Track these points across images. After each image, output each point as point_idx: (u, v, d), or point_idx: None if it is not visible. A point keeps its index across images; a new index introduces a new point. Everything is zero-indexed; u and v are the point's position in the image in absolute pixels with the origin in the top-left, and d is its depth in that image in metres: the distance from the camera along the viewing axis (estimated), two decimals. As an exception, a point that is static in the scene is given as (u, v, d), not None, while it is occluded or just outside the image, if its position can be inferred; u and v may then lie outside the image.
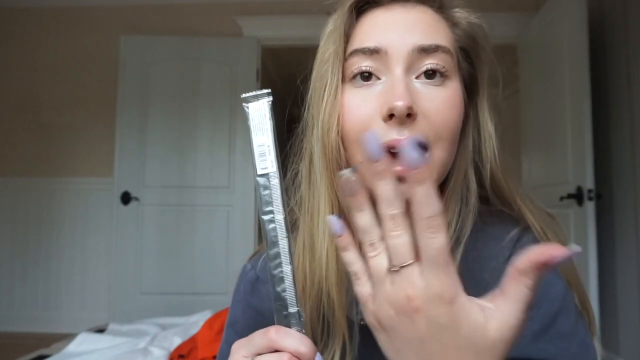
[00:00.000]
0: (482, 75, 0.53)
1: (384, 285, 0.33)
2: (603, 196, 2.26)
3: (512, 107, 4.10)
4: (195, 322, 1.82)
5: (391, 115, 0.44)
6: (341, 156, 0.48)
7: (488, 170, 0.52)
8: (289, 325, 0.40)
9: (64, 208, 3.17)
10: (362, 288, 0.36)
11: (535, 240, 0.51)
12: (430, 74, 0.46)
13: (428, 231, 0.31)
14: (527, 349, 0.45)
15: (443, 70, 0.47)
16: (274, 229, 0.40)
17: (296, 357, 0.37)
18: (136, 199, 2.98)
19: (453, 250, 0.50)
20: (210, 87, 3.06)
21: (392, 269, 0.33)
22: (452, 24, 0.51)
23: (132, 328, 1.86)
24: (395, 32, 0.47)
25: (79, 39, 3.25)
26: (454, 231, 0.50)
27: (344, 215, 0.39)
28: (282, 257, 0.40)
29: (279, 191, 0.41)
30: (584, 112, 2.14)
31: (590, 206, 2.11)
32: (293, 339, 0.38)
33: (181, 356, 1.40)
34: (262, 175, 0.41)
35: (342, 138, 0.48)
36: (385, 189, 0.33)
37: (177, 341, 1.58)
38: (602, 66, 2.37)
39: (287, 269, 0.40)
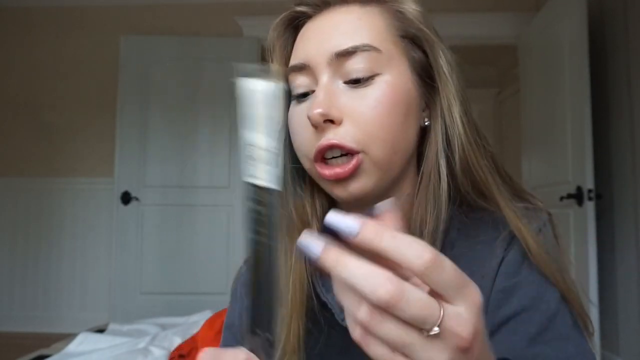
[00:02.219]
0: (436, 61, 0.50)
1: (428, 352, 0.27)
2: (603, 196, 2.25)
3: (512, 107, 4.10)
4: (195, 322, 1.82)
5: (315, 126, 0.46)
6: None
7: (457, 159, 0.49)
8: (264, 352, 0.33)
9: (64, 208, 3.17)
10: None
11: (522, 253, 0.49)
12: (355, 80, 0.46)
13: (432, 274, 0.27)
14: (524, 352, 0.45)
15: (365, 75, 0.46)
16: (263, 258, 0.32)
17: None
18: (136, 199, 2.98)
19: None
20: (210, 87, 3.06)
21: (431, 334, 0.27)
22: (390, 13, 0.50)
23: (132, 328, 1.86)
24: (314, 43, 0.48)
25: (79, 39, 3.25)
26: (427, 227, 0.49)
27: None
28: (274, 297, 0.32)
29: (278, 213, 0.32)
30: (584, 112, 2.14)
31: (590, 206, 2.11)
32: None
33: (181, 356, 1.40)
34: (260, 188, 0.32)
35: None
36: (414, 311, 0.26)
37: (177, 341, 1.58)
38: (602, 66, 2.37)
39: (281, 311, 0.35)
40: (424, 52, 0.50)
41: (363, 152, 0.45)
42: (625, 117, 2.22)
